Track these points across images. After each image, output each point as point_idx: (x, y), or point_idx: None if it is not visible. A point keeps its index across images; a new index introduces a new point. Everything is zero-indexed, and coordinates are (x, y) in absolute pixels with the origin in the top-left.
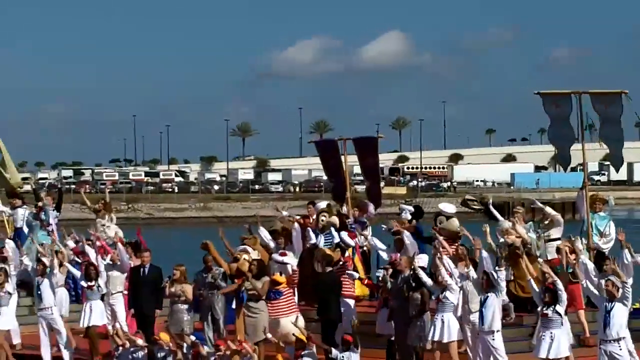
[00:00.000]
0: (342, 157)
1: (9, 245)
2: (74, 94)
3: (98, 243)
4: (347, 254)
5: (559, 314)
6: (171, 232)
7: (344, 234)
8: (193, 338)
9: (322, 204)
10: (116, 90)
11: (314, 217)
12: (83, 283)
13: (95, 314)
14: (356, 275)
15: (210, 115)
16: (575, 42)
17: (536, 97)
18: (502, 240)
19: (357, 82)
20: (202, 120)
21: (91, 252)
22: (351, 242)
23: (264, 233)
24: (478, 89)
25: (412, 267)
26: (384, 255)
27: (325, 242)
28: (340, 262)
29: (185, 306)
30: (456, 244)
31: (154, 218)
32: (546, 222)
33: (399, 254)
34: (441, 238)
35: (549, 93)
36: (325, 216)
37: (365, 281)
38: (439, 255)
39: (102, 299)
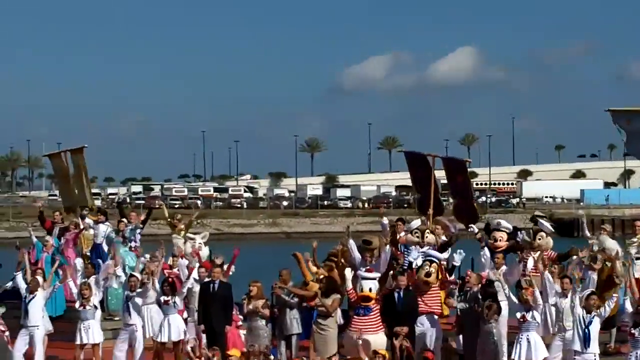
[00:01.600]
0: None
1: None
2: (143, 109)
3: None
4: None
5: None
6: (240, 248)
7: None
8: (272, 357)
9: (417, 222)
10: (185, 105)
11: (402, 234)
12: (161, 298)
13: (171, 329)
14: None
15: (280, 130)
16: None
17: (606, 113)
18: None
19: (428, 98)
20: (271, 135)
21: (183, 268)
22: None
23: (354, 247)
24: (547, 104)
25: (485, 283)
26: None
27: (424, 258)
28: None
29: (264, 322)
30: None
31: (223, 234)
32: (635, 238)
33: (495, 271)
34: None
35: (620, 110)
36: (429, 233)
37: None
38: (531, 272)
39: (188, 314)
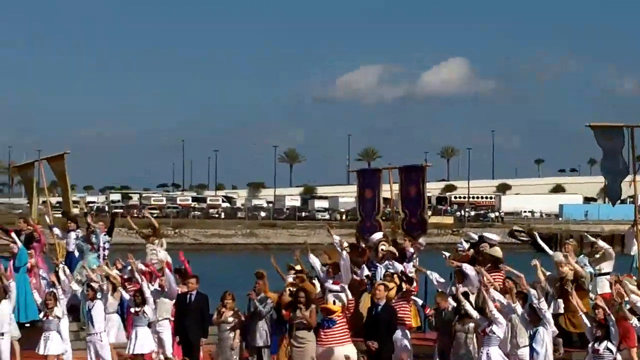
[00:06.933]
0: (383, 186)
1: (62, 269)
2: (123, 117)
3: (145, 268)
4: (414, 284)
5: (611, 351)
6: (218, 258)
7: (407, 265)
8: None
9: (378, 235)
10: (165, 114)
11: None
12: (131, 309)
13: (141, 341)
14: (420, 301)
15: (260, 140)
16: (637, 74)
17: (587, 128)
18: (549, 273)
19: (412, 110)
20: (251, 146)
21: (140, 278)
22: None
23: (315, 261)
24: (530, 118)
25: (457, 300)
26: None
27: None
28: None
29: (232, 334)
30: (500, 273)
31: (201, 244)
32: (597, 255)
33: (460, 286)
34: (483, 270)
35: (600, 126)
36: (384, 245)
37: (427, 310)
38: (486, 287)
39: (149, 326)
